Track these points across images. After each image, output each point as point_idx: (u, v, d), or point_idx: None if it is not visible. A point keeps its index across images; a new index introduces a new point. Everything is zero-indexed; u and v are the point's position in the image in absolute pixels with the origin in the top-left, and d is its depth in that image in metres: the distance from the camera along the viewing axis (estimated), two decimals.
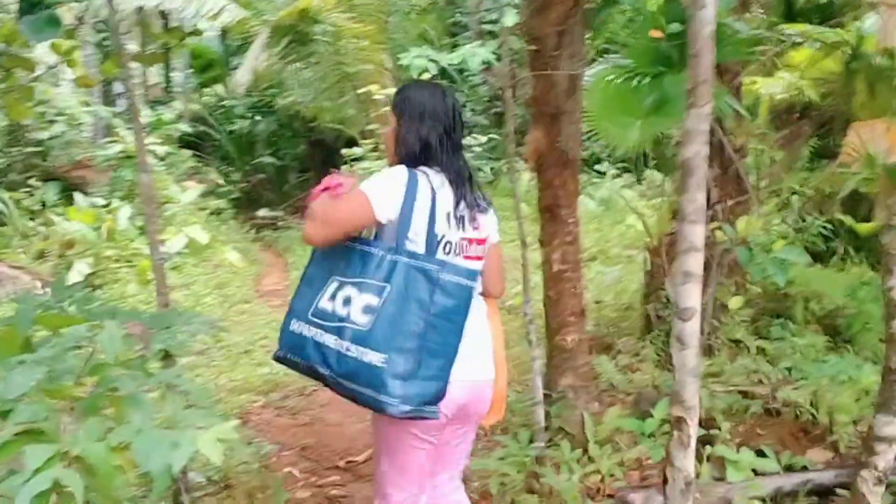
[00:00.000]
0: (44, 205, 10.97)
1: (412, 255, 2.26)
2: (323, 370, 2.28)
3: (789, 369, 5.02)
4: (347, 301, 2.28)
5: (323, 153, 15.22)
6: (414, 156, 2.39)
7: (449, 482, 2.66)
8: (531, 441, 4.05)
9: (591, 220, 11.59)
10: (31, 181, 10.96)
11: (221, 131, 16.18)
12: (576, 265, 4.37)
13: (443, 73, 13.50)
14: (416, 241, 2.29)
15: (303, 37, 11.76)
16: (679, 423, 2.06)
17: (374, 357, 2.18)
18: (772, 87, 7.96)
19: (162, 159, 10.81)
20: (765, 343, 5.38)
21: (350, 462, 4.43)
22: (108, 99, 14.29)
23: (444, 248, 2.33)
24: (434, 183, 2.34)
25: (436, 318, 2.23)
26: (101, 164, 10.82)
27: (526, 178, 13.86)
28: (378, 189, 2.31)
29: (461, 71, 14.54)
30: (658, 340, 5.63)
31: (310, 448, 4.70)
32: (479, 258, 2.45)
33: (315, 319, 2.33)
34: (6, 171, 11.42)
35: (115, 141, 10.45)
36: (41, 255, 9.15)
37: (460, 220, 2.37)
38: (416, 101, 2.42)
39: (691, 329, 2.04)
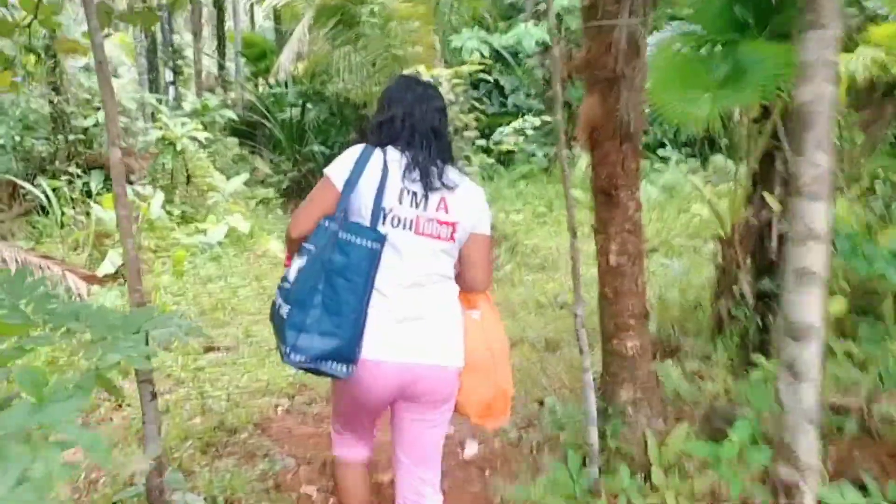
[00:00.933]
0: (88, 193, 10.63)
1: (338, 220, 2.36)
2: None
3: (881, 377, 4.26)
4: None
5: None
6: (377, 134, 2.51)
7: (421, 483, 2.64)
8: (583, 465, 3.40)
9: (653, 208, 10.81)
10: (75, 169, 10.60)
11: (272, 120, 15.74)
12: (637, 257, 3.69)
13: (496, 56, 12.81)
14: (364, 214, 2.38)
15: (350, 19, 11.19)
16: (790, 491, 1.39)
17: (284, 310, 2.34)
18: (852, 64, 7.12)
19: (204, 146, 10.35)
20: (852, 345, 4.61)
21: (375, 483, 3.83)
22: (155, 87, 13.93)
23: (392, 221, 2.38)
24: (389, 159, 2.41)
25: (332, 273, 2.31)
26: (141, 151, 10.43)
27: (584, 164, 13.17)
28: (335, 165, 2.44)
29: (515, 54, 13.84)
30: (731, 343, 4.91)
31: (331, 463, 4.10)
32: (438, 237, 2.43)
33: (279, 284, 2.48)
34: (50, 159, 11.11)
35: (156, 127, 10.02)
36: (78, 246, 8.77)
37: (418, 199, 2.40)
38: (389, 89, 2.58)
39: (809, 355, 1.37)
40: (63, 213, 9.43)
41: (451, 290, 2.50)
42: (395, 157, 2.42)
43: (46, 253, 8.29)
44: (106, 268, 7.67)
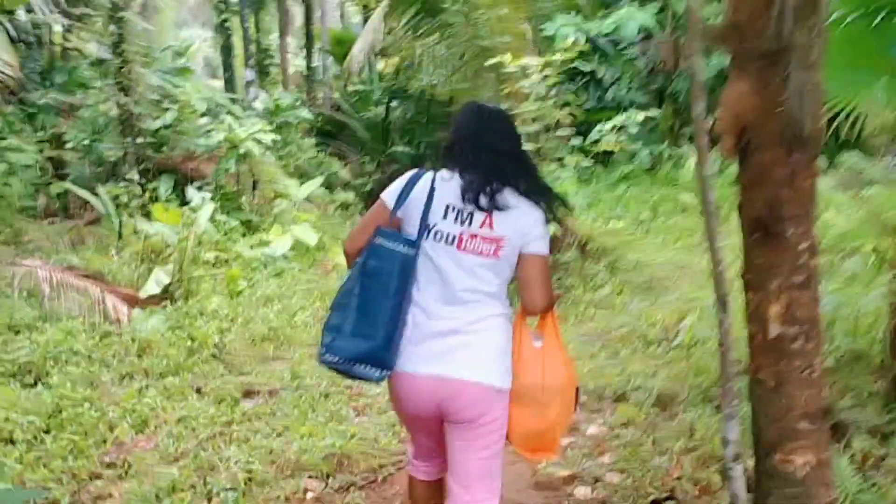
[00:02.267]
0: (155, 200, 9.84)
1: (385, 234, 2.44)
2: None
3: None
4: None
5: None
6: (444, 156, 2.56)
7: (473, 499, 2.49)
8: None
9: None
10: (138, 175, 9.81)
11: (356, 119, 14.79)
12: (811, 327, 2.36)
13: (594, 45, 11.43)
14: (411, 231, 2.43)
15: (432, 7, 10.05)
16: None
17: (328, 315, 2.47)
18: None
19: (272, 149, 9.35)
20: None
21: None
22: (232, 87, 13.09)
23: (435, 236, 2.42)
24: (441, 179, 2.47)
25: (366, 277, 2.39)
26: (203, 155, 9.54)
27: (692, 164, 11.66)
28: (389, 188, 2.52)
29: (615, 43, 12.43)
30: None
31: None
32: (481, 253, 2.41)
33: None
34: (118, 164, 10.37)
35: (219, 129, 9.11)
36: (137, 260, 7.91)
37: (463, 216, 2.41)
38: (456, 115, 2.65)
39: None
40: (122, 224, 8.60)
41: (495, 309, 2.45)
42: (447, 177, 2.48)
43: (94, 270, 7.45)
44: (150, 288, 6.74)
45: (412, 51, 14.77)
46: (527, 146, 6.46)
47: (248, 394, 5.23)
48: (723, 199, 9.65)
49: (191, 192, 9.65)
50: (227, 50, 12.40)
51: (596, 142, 7.86)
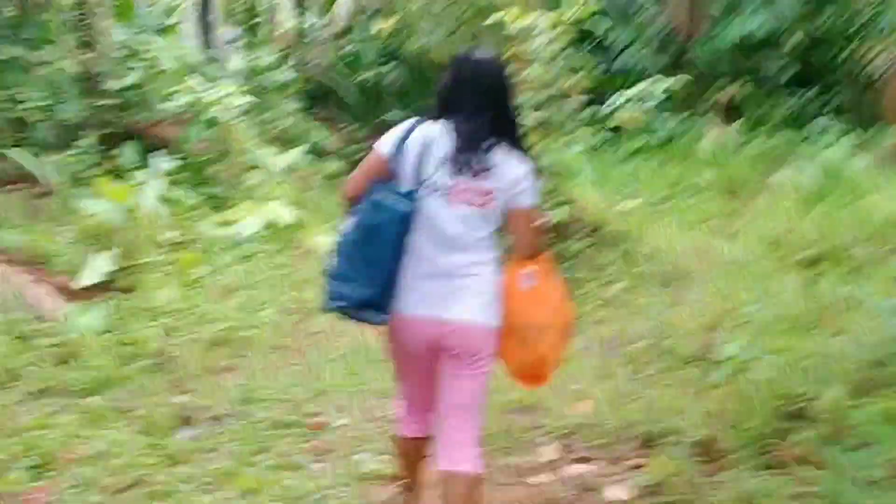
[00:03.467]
0: (119, 170, 8.72)
1: (378, 183, 2.58)
2: None
3: None
4: None
5: None
6: (437, 107, 2.65)
7: (455, 431, 2.65)
8: None
9: (810, 199, 8.18)
10: (97, 140, 8.68)
11: (347, 83, 13.60)
12: None
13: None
14: (407, 180, 2.56)
15: None
16: None
17: (331, 262, 2.62)
18: None
19: (243, 114, 8.18)
20: None
21: None
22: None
23: (430, 187, 2.53)
24: (434, 131, 2.58)
25: (368, 230, 2.53)
26: (170, 120, 8.40)
27: (712, 137, 10.54)
28: (384, 136, 2.65)
29: (626, 4, 11.26)
30: None
31: None
32: (473, 205, 2.54)
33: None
34: (81, 128, 9.21)
35: (180, 90, 7.94)
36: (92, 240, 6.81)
37: (456, 167, 2.51)
38: (452, 65, 2.72)
39: None
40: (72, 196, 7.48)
41: (486, 254, 2.61)
42: (440, 129, 2.57)
43: (32, 253, 6.38)
44: (87, 277, 5.68)
45: (407, 9, 13.60)
46: (534, 116, 5.61)
47: (187, 420, 4.21)
48: (746, 175, 8.58)
49: (153, 161, 8.56)
50: (204, 4, 11.20)
51: (611, 113, 6.75)
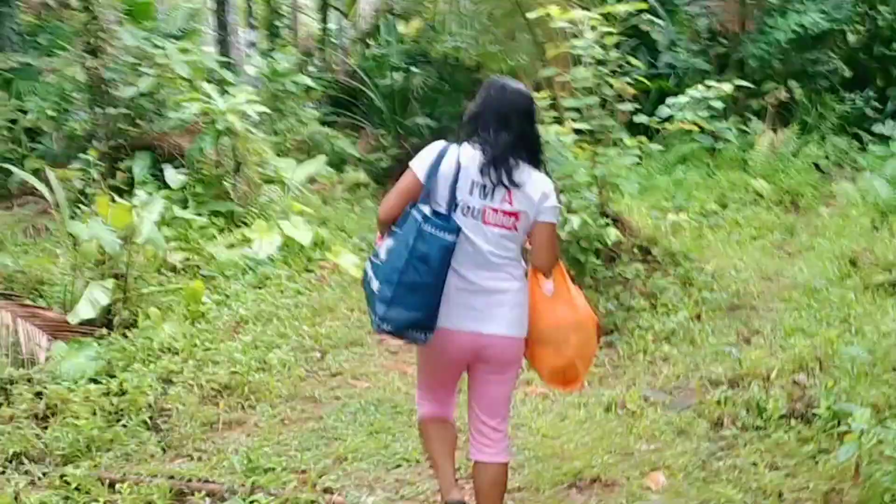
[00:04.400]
0: (131, 184, 8.04)
1: (419, 209, 2.64)
2: None
3: None
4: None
5: None
6: (465, 129, 2.78)
7: (490, 430, 2.87)
8: None
9: (878, 212, 7.31)
10: (105, 152, 8.00)
11: (372, 87, 12.84)
12: None
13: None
14: (441, 203, 2.66)
15: None
16: None
17: (375, 285, 2.71)
18: None
19: (258, 123, 7.43)
20: None
21: None
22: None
23: (463, 210, 2.67)
24: (465, 155, 2.70)
25: (416, 259, 2.60)
26: (175, 130, 7.69)
27: (765, 142, 9.64)
28: (418, 158, 2.73)
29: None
30: None
31: None
32: (503, 227, 2.68)
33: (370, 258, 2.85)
34: (91, 138, 8.55)
35: (192, 98, 7.21)
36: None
37: (486, 191, 2.66)
38: (481, 90, 2.82)
39: None
40: (74, 216, 6.79)
41: (515, 270, 2.75)
42: (471, 153, 2.69)
43: (26, 279, 5.70)
44: (83, 311, 4.95)
45: (434, 9, 12.82)
46: (578, 125, 5.10)
47: (180, 495, 3.45)
48: (802, 185, 7.64)
49: (169, 174, 7.87)
50: (221, 5, 10.48)
51: (666, 119, 5.92)
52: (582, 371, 2.85)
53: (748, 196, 8.53)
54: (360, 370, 4.97)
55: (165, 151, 8.39)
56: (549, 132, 5.60)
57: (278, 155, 8.31)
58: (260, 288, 6.12)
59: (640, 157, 5.96)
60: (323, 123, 11.23)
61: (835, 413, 3.66)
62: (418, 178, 2.68)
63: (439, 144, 2.73)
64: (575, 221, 5.16)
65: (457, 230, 2.62)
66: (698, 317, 5.50)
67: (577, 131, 5.65)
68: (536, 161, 2.74)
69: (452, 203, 2.63)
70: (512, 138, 2.66)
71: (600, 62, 5.89)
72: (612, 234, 5.38)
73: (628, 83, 5.94)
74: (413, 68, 12.88)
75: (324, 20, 16.05)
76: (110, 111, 8.46)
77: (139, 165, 8.29)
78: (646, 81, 6.04)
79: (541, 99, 6.15)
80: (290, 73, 9.09)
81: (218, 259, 6.24)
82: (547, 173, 2.78)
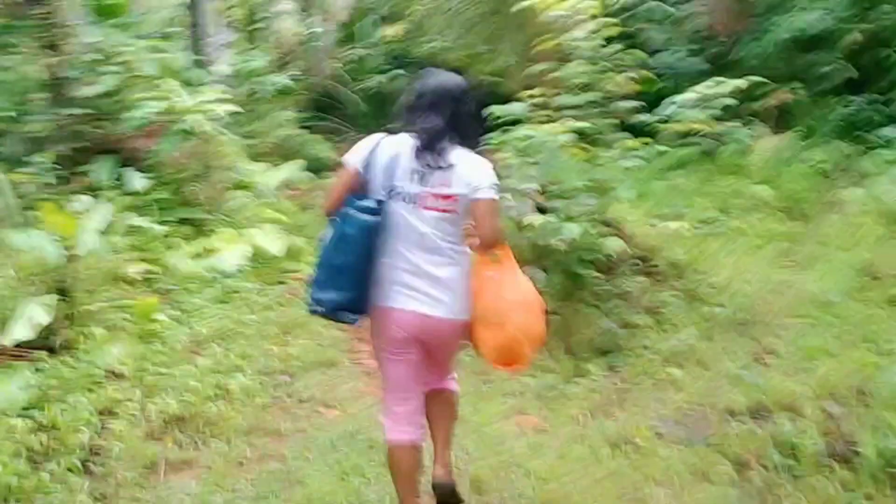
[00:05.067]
0: (92, 189, 7.44)
1: (350, 197, 2.72)
2: None
3: None
4: None
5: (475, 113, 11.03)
6: (400, 119, 2.81)
7: (438, 381, 3.04)
8: None
9: (888, 222, 6.80)
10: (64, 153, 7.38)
11: (353, 90, 12.28)
12: None
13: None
14: (381, 191, 2.72)
15: None
16: None
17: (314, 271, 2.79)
18: None
19: (228, 124, 6.82)
20: None
21: None
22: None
23: (404, 197, 2.71)
24: (401, 144, 2.74)
25: (341, 242, 2.69)
26: (132, 130, 7.04)
27: (765, 147, 9.12)
28: (353, 151, 2.79)
29: None
30: None
31: None
32: (440, 210, 2.72)
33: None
34: (44, 141, 7.91)
35: (156, 96, 6.59)
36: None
37: (423, 176, 2.70)
38: (413, 80, 2.92)
39: None
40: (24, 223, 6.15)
41: (455, 252, 2.78)
42: (406, 141, 2.74)
43: None
44: (19, 332, 4.33)
45: (416, 10, 12.27)
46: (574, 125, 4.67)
47: None
48: (805, 191, 7.12)
49: (134, 178, 7.25)
50: (194, 3, 9.85)
51: (667, 120, 5.38)
52: (528, 350, 2.82)
53: (749, 202, 8.00)
54: (332, 395, 4.38)
55: (130, 154, 7.78)
56: (541, 132, 5.04)
57: (252, 159, 7.70)
58: (225, 302, 5.52)
59: (644, 160, 5.39)
60: (304, 127, 10.67)
61: (880, 452, 3.12)
62: (356, 170, 2.74)
63: (375, 136, 2.79)
64: (574, 230, 4.59)
65: (375, 212, 2.68)
66: (709, 335, 4.95)
67: (573, 132, 5.09)
68: (471, 143, 2.80)
69: (389, 189, 2.70)
70: (443, 123, 2.70)
71: (595, 57, 5.37)
72: (615, 244, 4.81)
73: (636, 80, 5.41)
74: (396, 71, 12.34)
75: (305, 21, 15.45)
76: (71, 111, 7.86)
77: (101, 169, 7.65)
78: (652, 76, 5.47)
79: (532, 97, 5.63)
80: (264, 73, 8.49)
81: (179, 271, 5.64)
82: (483, 154, 2.84)
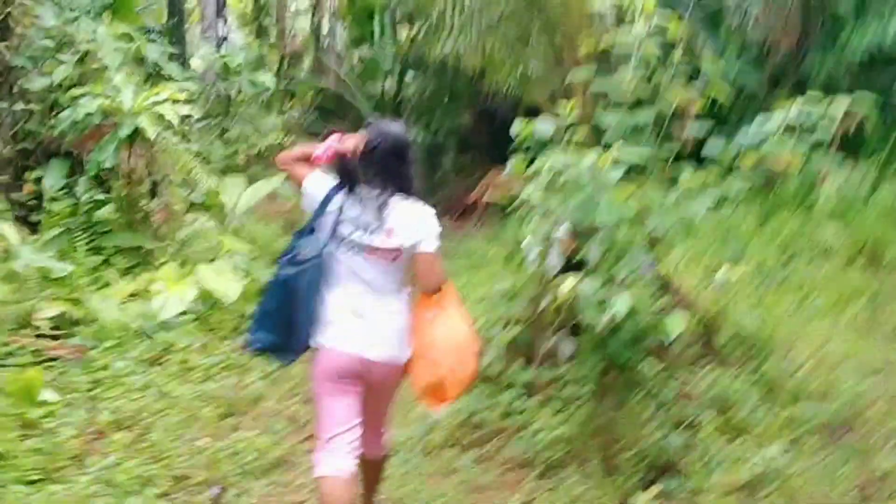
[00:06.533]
0: (38, 199, 6.19)
1: (291, 243, 2.83)
2: None
3: None
4: None
5: (492, 128, 9.74)
6: (345, 175, 2.84)
7: (375, 436, 2.97)
8: None
9: None
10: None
11: (360, 95, 10.95)
12: None
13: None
14: (323, 235, 2.77)
15: None
16: None
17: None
18: None
19: (182, 134, 5.45)
20: None
21: None
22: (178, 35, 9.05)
23: (346, 245, 2.76)
24: (347, 197, 2.79)
25: (272, 286, 2.82)
26: (65, 131, 5.70)
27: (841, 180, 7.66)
28: (310, 193, 2.83)
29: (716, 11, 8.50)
30: None
31: None
32: (385, 259, 2.76)
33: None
34: None
35: (87, 92, 5.24)
36: None
37: (368, 228, 2.76)
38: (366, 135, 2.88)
39: None
40: None
41: (399, 297, 2.84)
42: (353, 193, 2.79)
43: None
44: None
45: (436, 8, 10.96)
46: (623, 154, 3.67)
47: None
48: (883, 234, 5.61)
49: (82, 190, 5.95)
50: None
51: (755, 147, 3.98)
52: (453, 392, 2.82)
53: (815, 247, 6.58)
54: None
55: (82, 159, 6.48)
56: (581, 162, 3.65)
57: (223, 172, 6.35)
58: (156, 365, 4.18)
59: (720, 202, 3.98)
60: (309, 133, 9.36)
61: None
62: (304, 203, 2.86)
63: (328, 189, 2.80)
64: (625, 303, 3.20)
65: (300, 263, 2.74)
66: (798, 446, 3.56)
67: (623, 162, 3.70)
68: (414, 193, 2.82)
69: (335, 238, 2.76)
70: (389, 177, 2.77)
71: (652, 64, 3.98)
72: (678, 323, 3.39)
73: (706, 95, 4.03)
74: (408, 74, 11.03)
75: (314, 20, 14.19)
76: (17, 106, 6.57)
77: (51, 176, 6.38)
78: (726, 87, 4.05)
79: (566, 113, 4.24)
80: (246, 68, 7.13)
81: (102, 318, 4.29)
82: (424, 203, 2.84)
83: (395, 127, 2.91)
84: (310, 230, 2.77)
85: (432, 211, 2.84)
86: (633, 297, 3.29)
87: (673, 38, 4.08)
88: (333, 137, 2.88)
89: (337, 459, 2.74)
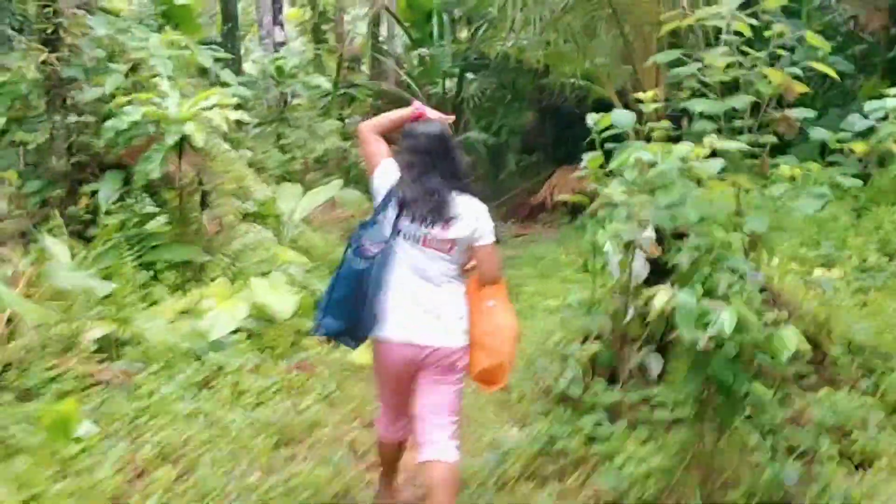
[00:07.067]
0: (93, 212, 5.98)
1: (355, 236, 2.90)
2: None
3: None
4: None
5: (556, 127, 9.26)
6: (402, 171, 2.91)
7: (435, 429, 2.89)
8: None
9: None
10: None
11: (418, 95, 10.58)
12: None
13: None
14: (387, 228, 2.86)
15: None
16: None
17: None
18: None
19: (230, 139, 5.15)
20: None
21: None
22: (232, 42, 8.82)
23: (405, 236, 2.86)
24: (408, 189, 2.86)
25: (341, 277, 2.87)
26: (113, 141, 5.44)
27: None
28: (375, 186, 2.94)
29: None
30: None
31: None
32: (440, 250, 2.87)
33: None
34: (40, 152, 6.51)
35: (133, 100, 4.99)
36: None
37: (427, 221, 2.84)
38: (405, 136, 2.98)
39: None
40: None
41: (454, 285, 2.93)
42: (410, 190, 2.85)
43: None
44: None
45: (490, 1, 10.56)
46: (724, 144, 3.28)
47: None
48: None
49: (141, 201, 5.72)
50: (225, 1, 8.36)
51: (864, 134, 3.46)
52: (505, 378, 2.95)
53: None
54: None
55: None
56: (671, 156, 3.18)
57: (284, 178, 6.04)
58: (207, 387, 3.86)
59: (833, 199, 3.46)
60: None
61: None
62: (372, 175, 2.96)
63: (390, 187, 2.88)
64: (729, 320, 2.72)
65: (370, 258, 2.81)
66: None
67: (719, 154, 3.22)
68: (466, 187, 2.94)
69: (395, 230, 2.83)
70: (440, 177, 2.87)
71: (749, 41, 3.48)
72: (791, 340, 2.89)
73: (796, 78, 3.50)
74: (467, 74, 10.62)
75: (373, 24, 13.90)
76: (71, 119, 6.39)
77: (106, 189, 6.16)
78: (831, 72, 3.52)
79: (647, 102, 3.77)
80: (305, 70, 6.81)
81: (149, 339, 3.99)
82: (479, 198, 2.95)
83: (433, 127, 2.99)
84: (373, 222, 2.87)
85: (485, 207, 2.96)
86: (739, 311, 2.81)
87: (769, 9, 3.59)
88: (417, 104, 3.04)
89: (391, 429, 3.06)
